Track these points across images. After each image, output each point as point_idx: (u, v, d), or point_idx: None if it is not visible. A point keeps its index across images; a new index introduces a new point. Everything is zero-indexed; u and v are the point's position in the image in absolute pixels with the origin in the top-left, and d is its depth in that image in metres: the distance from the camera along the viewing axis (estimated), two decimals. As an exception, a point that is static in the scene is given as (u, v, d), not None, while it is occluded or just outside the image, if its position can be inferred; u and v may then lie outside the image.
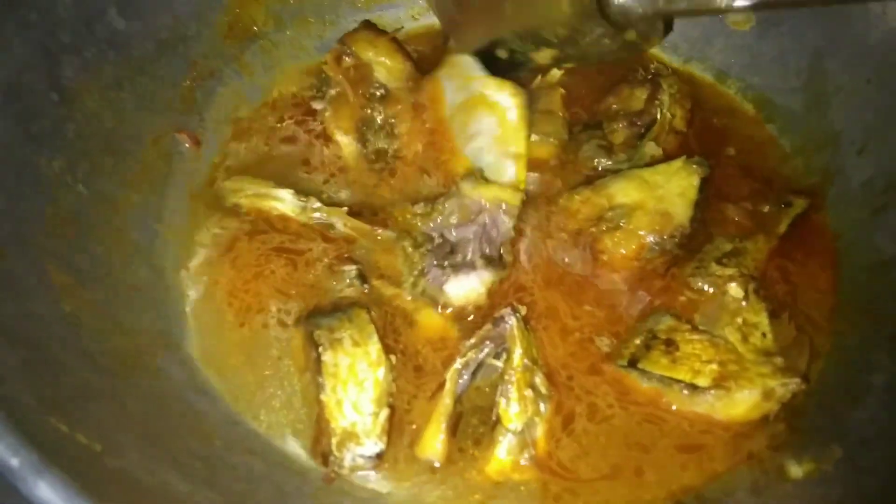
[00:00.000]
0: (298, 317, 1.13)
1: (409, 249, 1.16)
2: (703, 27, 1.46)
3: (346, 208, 1.21)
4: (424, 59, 1.41)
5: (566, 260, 1.20)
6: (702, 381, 1.04)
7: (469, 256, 1.15)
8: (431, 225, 1.17)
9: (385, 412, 1.02)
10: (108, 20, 1.18)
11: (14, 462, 0.68)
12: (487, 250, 1.15)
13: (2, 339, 0.84)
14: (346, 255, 1.20)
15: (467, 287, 1.13)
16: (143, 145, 1.23)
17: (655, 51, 1.48)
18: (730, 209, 1.26)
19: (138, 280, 1.12)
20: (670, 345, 1.08)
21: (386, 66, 1.33)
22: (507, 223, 1.15)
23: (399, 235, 1.18)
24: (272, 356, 1.11)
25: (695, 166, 1.22)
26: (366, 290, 1.16)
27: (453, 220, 1.16)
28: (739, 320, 1.10)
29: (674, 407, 1.06)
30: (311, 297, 1.16)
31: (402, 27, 1.49)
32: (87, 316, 1.01)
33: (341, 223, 1.21)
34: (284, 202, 1.22)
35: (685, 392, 1.05)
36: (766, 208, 1.25)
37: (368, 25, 1.39)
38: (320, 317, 1.08)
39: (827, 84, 1.31)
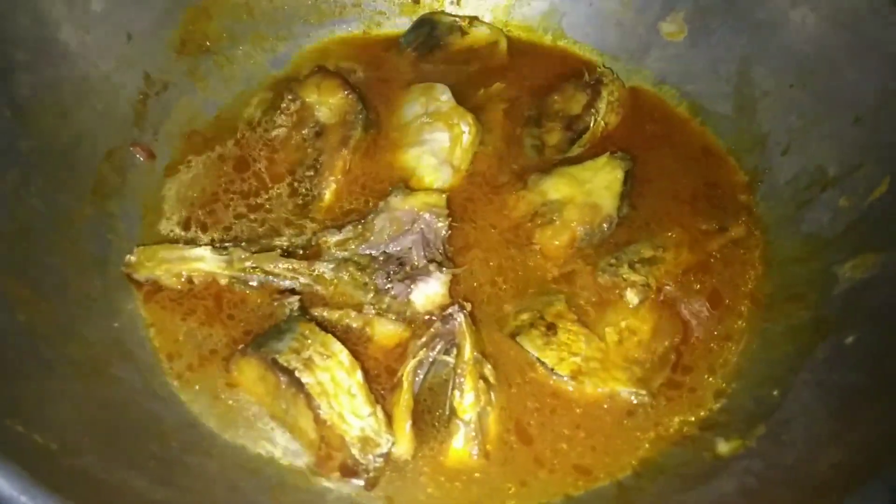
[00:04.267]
0: (243, 346, 1.11)
1: (357, 274, 1.18)
2: (639, 38, 1.53)
3: (277, 251, 1.20)
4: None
5: (505, 252, 1.26)
6: (561, 370, 1.11)
7: (419, 264, 1.19)
8: (366, 245, 1.21)
9: (378, 408, 1.04)
10: (63, 38, 1.21)
11: (-30, 458, 0.71)
12: (432, 254, 1.20)
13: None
14: (284, 289, 1.19)
15: (431, 293, 1.17)
16: (98, 159, 1.25)
17: (600, 59, 1.56)
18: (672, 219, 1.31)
19: (93, 290, 1.14)
20: (550, 328, 1.15)
21: (328, 105, 1.39)
22: (440, 224, 1.21)
23: (337, 265, 1.19)
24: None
25: (618, 161, 1.30)
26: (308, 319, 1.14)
27: (387, 234, 1.21)
28: (623, 324, 1.18)
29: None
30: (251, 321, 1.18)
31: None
32: (42, 325, 1.03)
33: (274, 267, 1.19)
34: (205, 260, 1.19)
35: (552, 374, 1.12)
36: (703, 227, 1.30)
37: (320, 69, 1.44)
38: (272, 341, 1.07)
39: (754, 90, 1.39)
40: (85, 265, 1.16)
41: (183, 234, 1.28)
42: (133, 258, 1.19)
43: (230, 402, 1.10)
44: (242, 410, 1.10)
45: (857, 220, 1.15)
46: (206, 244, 1.22)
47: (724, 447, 1.00)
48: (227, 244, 1.22)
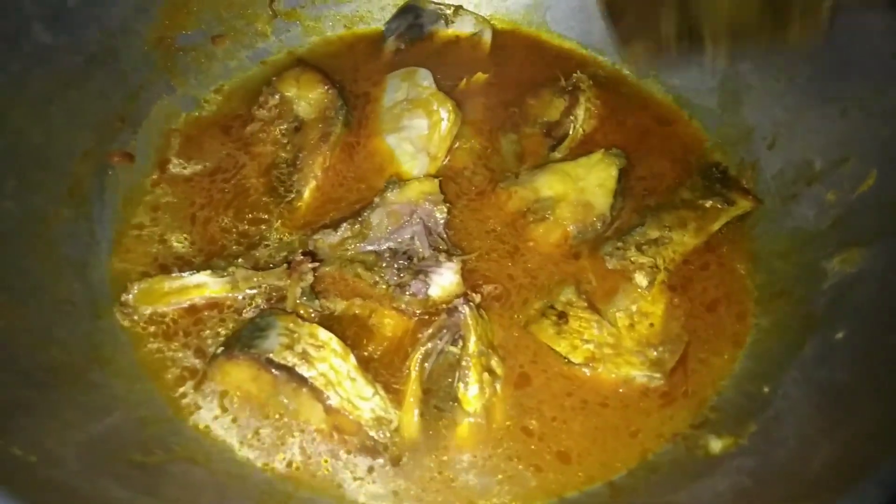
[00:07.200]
0: (222, 349, 1.08)
1: (367, 274, 1.17)
2: (625, 32, 1.52)
3: (283, 266, 1.16)
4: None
5: (507, 246, 1.25)
6: (575, 357, 1.11)
7: (427, 255, 1.18)
8: (366, 242, 1.19)
9: (379, 386, 1.06)
10: (34, 35, 1.17)
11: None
12: (436, 243, 1.19)
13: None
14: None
15: (446, 283, 1.16)
16: (74, 160, 1.22)
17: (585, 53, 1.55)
18: (677, 195, 1.30)
19: (71, 294, 1.11)
20: (562, 317, 1.14)
21: (307, 100, 1.37)
22: (437, 210, 1.21)
23: (341, 265, 1.18)
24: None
25: (613, 158, 1.29)
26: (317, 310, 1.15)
27: (386, 229, 1.19)
28: (634, 307, 1.17)
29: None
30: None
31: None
32: (19, 331, 1.01)
33: (280, 282, 1.16)
34: (208, 286, 1.15)
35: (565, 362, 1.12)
36: (709, 203, 1.28)
37: (299, 63, 1.44)
38: (257, 341, 1.05)
39: (739, 84, 1.38)
40: (62, 269, 1.13)
41: (168, 248, 1.23)
42: (130, 297, 1.13)
43: (216, 405, 1.08)
44: (228, 414, 1.08)
45: (845, 214, 1.15)
46: (202, 269, 1.16)
47: (716, 445, 0.99)
48: (221, 263, 1.18)
